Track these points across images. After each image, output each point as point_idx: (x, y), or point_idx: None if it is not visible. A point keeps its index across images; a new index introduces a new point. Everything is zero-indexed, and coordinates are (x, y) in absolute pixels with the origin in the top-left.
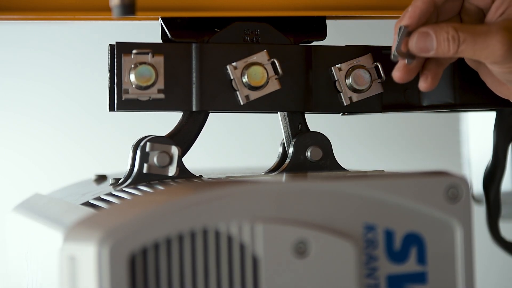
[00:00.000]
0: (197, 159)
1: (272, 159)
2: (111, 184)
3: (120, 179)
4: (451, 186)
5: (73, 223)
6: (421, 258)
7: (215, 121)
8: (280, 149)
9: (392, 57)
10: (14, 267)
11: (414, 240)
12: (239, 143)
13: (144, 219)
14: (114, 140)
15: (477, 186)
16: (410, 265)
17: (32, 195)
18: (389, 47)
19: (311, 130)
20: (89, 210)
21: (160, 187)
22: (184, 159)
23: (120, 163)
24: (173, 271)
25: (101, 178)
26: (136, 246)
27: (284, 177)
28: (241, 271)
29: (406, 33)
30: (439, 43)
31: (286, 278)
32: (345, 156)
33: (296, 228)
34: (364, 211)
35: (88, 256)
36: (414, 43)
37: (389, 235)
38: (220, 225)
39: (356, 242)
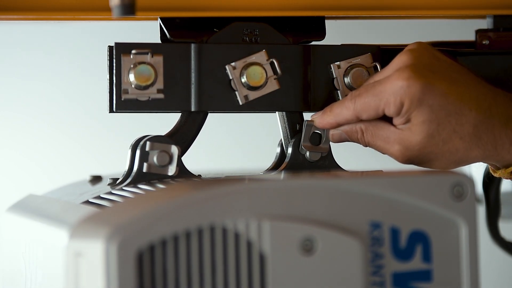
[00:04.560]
0: (196, 160)
1: (271, 160)
2: (108, 184)
3: (118, 179)
4: (456, 184)
5: (78, 220)
6: (427, 256)
7: (214, 121)
8: (278, 150)
9: (299, 150)
10: (10, 268)
11: (419, 238)
12: (238, 144)
13: (152, 216)
14: (114, 140)
15: (477, 186)
16: (416, 263)
17: (26, 196)
18: (389, 46)
19: None
20: (92, 208)
21: (163, 186)
22: (182, 159)
23: (119, 162)
24: (180, 267)
25: (96, 179)
26: (144, 243)
27: (291, 175)
28: (248, 268)
29: (312, 128)
30: (352, 140)
31: (293, 275)
32: (344, 157)
33: (302, 226)
34: (370, 209)
35: (95, 253)
36: (330, 138)
37: (394, 233)
38: (227, 222)
39: (362, 239)
